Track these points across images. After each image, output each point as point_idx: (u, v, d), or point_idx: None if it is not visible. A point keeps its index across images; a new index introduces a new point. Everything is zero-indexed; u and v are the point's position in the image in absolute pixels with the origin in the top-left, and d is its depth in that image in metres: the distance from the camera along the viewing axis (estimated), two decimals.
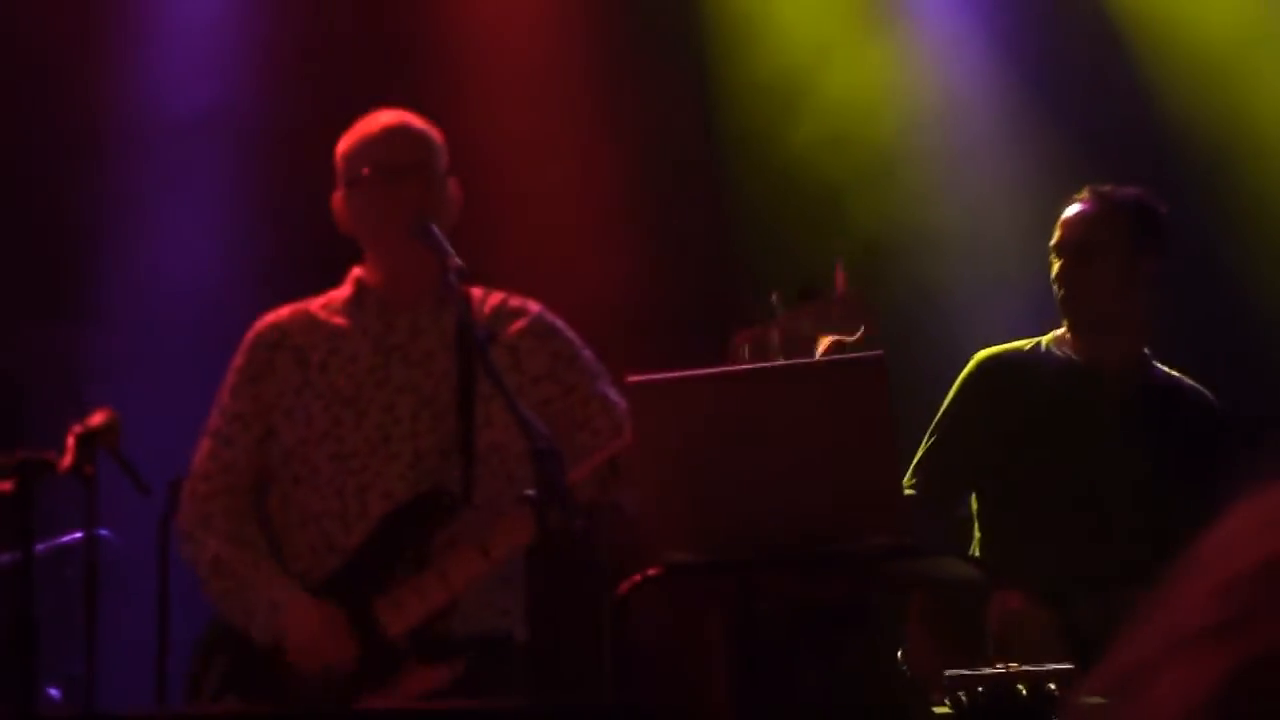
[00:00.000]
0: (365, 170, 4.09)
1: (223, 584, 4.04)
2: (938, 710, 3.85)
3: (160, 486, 4.69)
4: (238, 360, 4.17)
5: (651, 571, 3.63)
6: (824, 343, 3.78)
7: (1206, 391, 4.74)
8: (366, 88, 4.60)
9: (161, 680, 4.92)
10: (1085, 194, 4.65)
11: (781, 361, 3.69)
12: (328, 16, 6.37)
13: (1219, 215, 6.11)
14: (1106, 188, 4.66)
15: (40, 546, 5.45)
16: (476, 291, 4.13)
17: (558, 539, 3.68)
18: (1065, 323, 4.66)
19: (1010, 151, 6.25)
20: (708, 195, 6.40)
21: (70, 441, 3.93)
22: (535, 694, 4.09)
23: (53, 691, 5.61)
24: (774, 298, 3.78)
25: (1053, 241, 4.64)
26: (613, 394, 4.15)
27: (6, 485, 3.75)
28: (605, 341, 4.35)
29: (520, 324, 4.16)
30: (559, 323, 4.21)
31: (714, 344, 3.89)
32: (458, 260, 3.88)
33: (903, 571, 3.78)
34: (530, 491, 3.64)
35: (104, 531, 5.05)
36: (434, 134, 4.17)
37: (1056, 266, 4.61)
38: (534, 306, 4.21)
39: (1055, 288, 4.61)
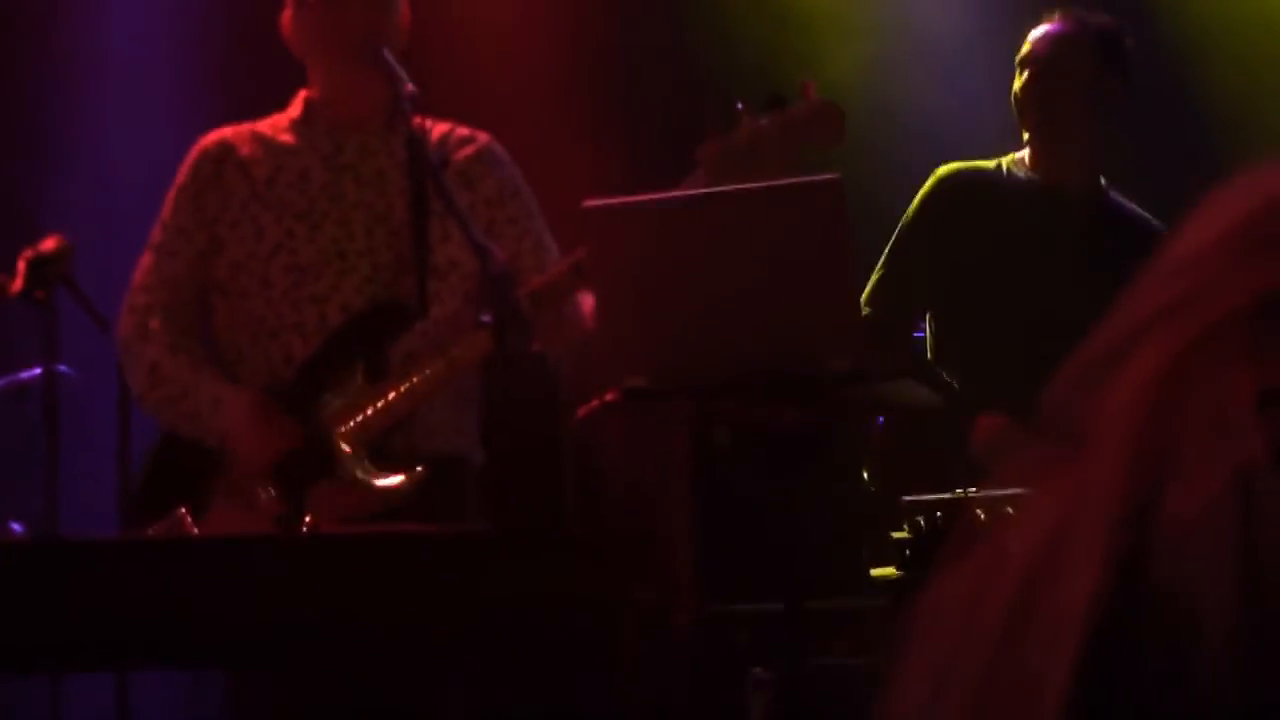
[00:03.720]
0: None
1: (162, 391, 3.99)
2: (896, 535, 3.86)
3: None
4: (181, 175, 4.10)
5: (609, 397, 3.61)
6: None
7: (1158, 223, 4.72)
8: None
9: (124, 514, 4.91)
10: (1056, 14, 4.69)
11: (738, 186, 3.64)
12: None
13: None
14: (1079, 10, 4.70)
15: None
16: (424, 120, 4.06)
17: (515, 363, 3.66)
18: (1026, 141, 4.64)
19: None
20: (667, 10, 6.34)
21: (21, 265, 3.90)
22: (490, 518, 4.07)
23: (14, 526, 5.60)
24: (739, 106, 3.73)
25: (1019, 55, 4.65)
26: (546, 238, 4.13)
27: None
28: (564, 159, 4.30)
29: (469, 150, 4.12)
30: (506, 154, 4.17)
31: (681, 154, 3.83)
32: (411, 86, 3.82)
33: (861, 396, 3.77)
34: (486, 316, 3.61)
35: (63, 367, 5.01)
36: None
37: (1020, 79, 4.62)
38: (483, 136, 4.17)
39: (1015, 100, 4.61)
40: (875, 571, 3.92)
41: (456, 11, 6.01)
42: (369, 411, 3.90)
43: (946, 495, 3.85)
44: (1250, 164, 1.03)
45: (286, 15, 4.10)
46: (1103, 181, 4.71)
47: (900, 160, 5.53)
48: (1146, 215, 4.73)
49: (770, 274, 3.58)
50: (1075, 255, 4.57)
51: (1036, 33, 4.66)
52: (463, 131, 4.16)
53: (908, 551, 3.82)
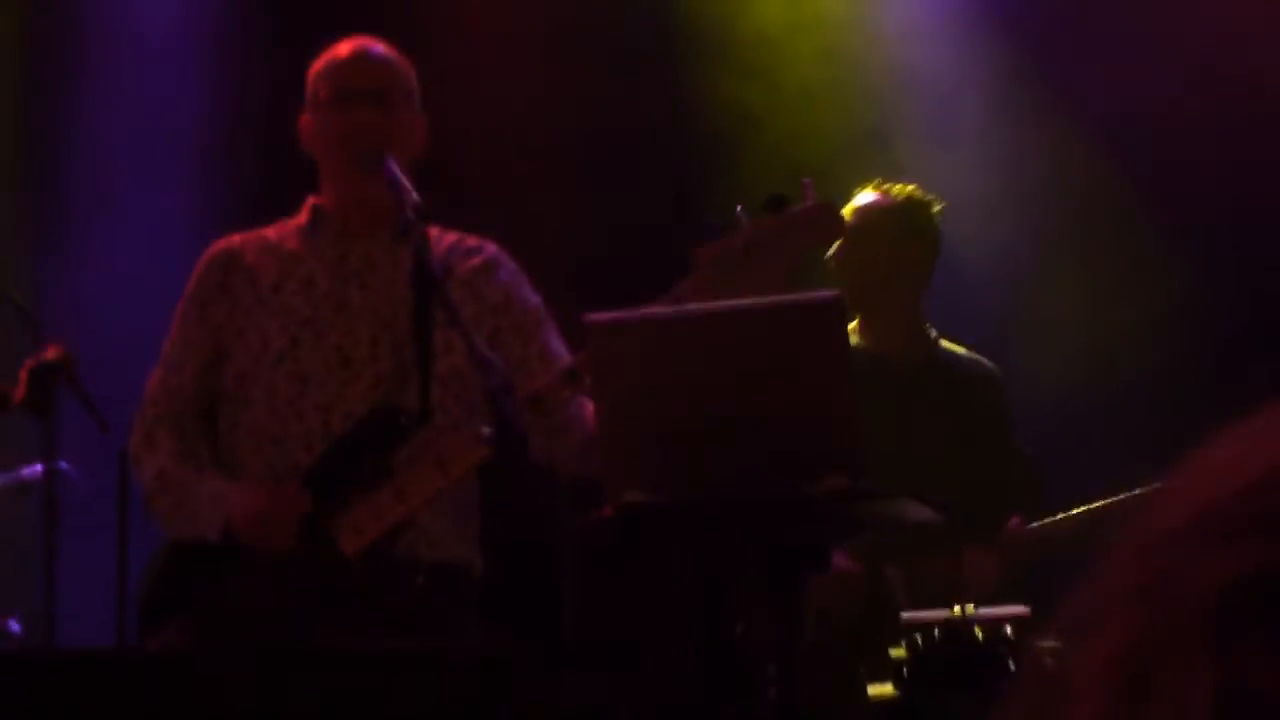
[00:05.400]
0: (323, 93, 4.08)
1: (167, 496, 3.98)
2: (894, 653, 3.85)
3: (121, 421, 4.68)
4: (190, 285, 4.14)
5: (606, 512, 3.61)
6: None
7: (988, 363, 4.97)
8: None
9: (122, 614, 4.91)
10: (868, 191, 4.94)
11: (739, 302, 3.64)
12: None
13: None
14: (886, 183, 4.96)
15: (0, 479, 5.45)
16: (433, 230, 4.08)
17: (513, 473, 3.65)
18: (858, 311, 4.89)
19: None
20: (663, 120, 6.39)
21: (23, 375, 3.92)
22: (491, 628, 4.06)
23: (13, 624, 5.60)
24: (739, 209, 3.75)
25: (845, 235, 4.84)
26: (554, 343, 4.13)
27: None
28: (565, 269, 4.32)
29: (476, 260, 4.14)
30: (513, 264, 4.19)
31: (679, 263, 3.84)
32: (415, 196, 3.83)
33: (861, 513, 3.76)
34: (486, 429, 3.61)
35: (64, 465, 5.02)
36: (399, 62, 4.15)
37: (833, 247, 4.81)
38: (490, 246, 4.19)
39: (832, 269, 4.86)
40: (872, 689, 3.92)
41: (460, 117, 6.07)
42: (370, 523, 3.89)
43: (944, 613, 3.86)
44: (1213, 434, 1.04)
45: (303, 118, 4.14)
46: (932, 335, 4.92)
47: None
48: (971, 358, 4.96)
49: (770, 390, 3.58)
50: (902, 416, 4.73)
51: (851, 209, 4.88)
52: (471, 241, 4.18)
53: (905, 670, 3.82)
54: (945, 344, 4.94)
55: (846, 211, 4.81)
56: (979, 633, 3.77)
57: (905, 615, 3.85)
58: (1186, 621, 0.92)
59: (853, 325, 4.86)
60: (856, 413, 3.56)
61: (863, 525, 3.86)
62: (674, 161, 6.34)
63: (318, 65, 4.15)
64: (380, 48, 4.15)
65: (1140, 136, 5.98)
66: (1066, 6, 6.18)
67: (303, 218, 4.15)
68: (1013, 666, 3.76)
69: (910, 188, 4.94)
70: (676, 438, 3.60)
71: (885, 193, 4.92)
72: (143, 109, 6.36)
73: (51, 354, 3.92)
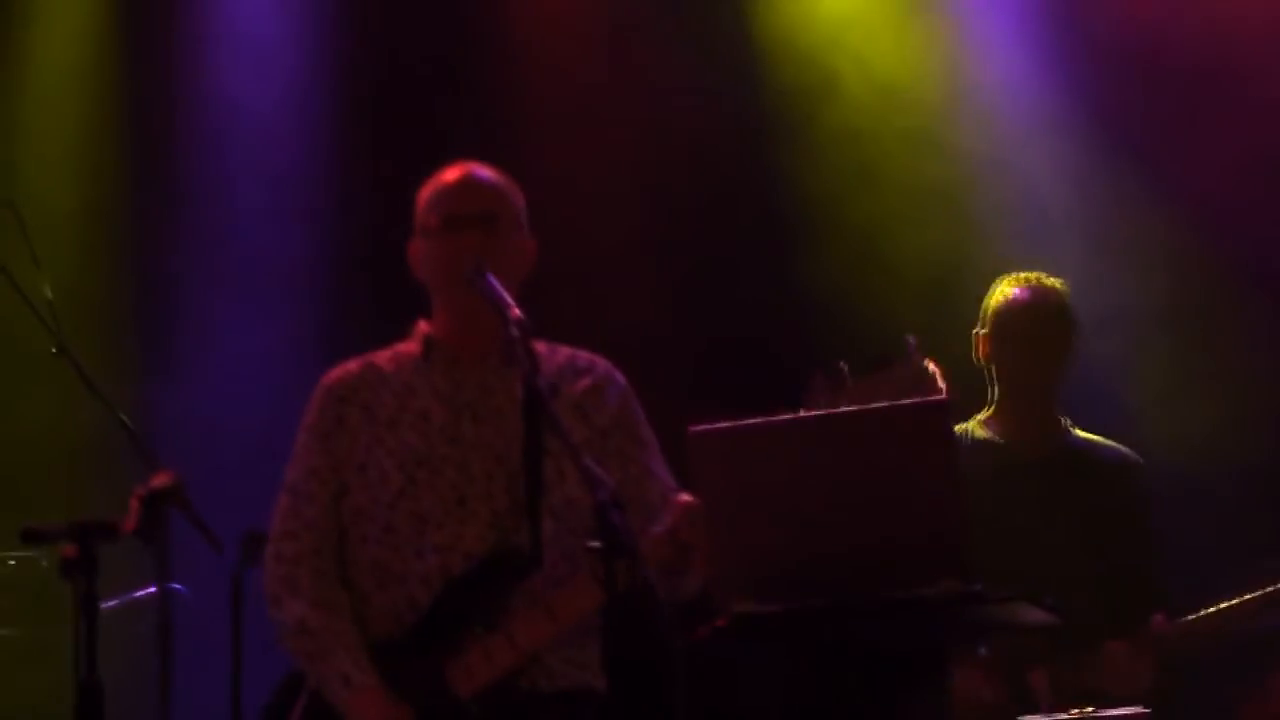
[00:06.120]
0: (431, 221, 4.10)
1: (304, 645, 4.02)
2: None
3: (232, 540, 4.70)
4: (309, 416, 4.15)
5: (719, 623, 3.59)
6: None
7: (1126, 450, 4.91)
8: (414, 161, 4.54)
9: None
10: (1027, 283, 4.89)
11: (844, 409, 3.64)
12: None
13: None
14: (1045, 279, 4.91)
15: (114, 601, 5.49)
16: (542, 347, 4.08)
17: (624, 591, 3.63)
18: (998, 401, 4.84)
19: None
20: (775, 259, 6.40)
21: (134, 504, 3.94)
22: None
23: None
24: (843, 366, 3.74)
25: (989, 321, 4.85)
26: (655, 465, 4.11)
27: (71, 550, 3.75)
28: (670, 398, 4.30)
29: (587, 381, 4.13)
30: (624, 381, 4.17)
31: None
32: (516, 311, 3.84)
33: (976, 617, 3.73)
34: (595, 543, 3.60)
35: (177, 586, 5.04)
36: (505, 185, 4.16)
37: (999, 348, 4.82)
38: (601, 363, 4.18)
39: (988, 366, 4.82)
40: None
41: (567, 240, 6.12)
42: (482, 667, 3.90)
43: (1062, 716, 3.82)
44: None
45: (413, 245, 4.16)
46: (1065, 424, 4.88)
47: None
48: (1105, 446, 4.89)
49: (877, 495, 3.57)
50: (1034, 511, 4.70)
51: (1009, 302, 4.84)
52: (581, 361, 4.17)
53: None
54: (1079, 433, 4.90)
55: (1009, 311, 4.80)
56: None
57: (1021, 719, 3.81)
58: None
59: (982, 417, 4.83)
60: (966, 514, 3.54)
61: (976, 629, 3.83)
62: (761, 247, 6.36)
63: (426, 192, 4.16)
64: (486, 172, 4.16)
65: (1243, 220, 5.92)
66: (1165, 90, 6.12)
67: (415, 347, 4.15)
68: None
69: (1059, 282, 4.91)
70: (784, 546, 3.59)
71: (1047, 293, 4.87)
72: (248, 235, 6.45)
73: (161, 481, 3.95)
